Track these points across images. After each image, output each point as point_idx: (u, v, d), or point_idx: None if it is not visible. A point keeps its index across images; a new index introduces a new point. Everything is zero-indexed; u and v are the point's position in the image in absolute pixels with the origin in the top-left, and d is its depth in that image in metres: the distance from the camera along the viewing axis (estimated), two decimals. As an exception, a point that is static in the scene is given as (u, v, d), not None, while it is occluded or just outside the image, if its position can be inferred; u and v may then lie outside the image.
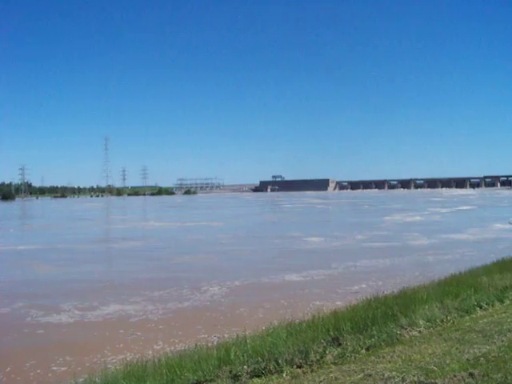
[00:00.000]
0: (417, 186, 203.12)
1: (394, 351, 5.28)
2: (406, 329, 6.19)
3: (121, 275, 17.63)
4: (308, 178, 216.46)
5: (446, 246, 22.63)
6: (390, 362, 4.89)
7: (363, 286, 13.89)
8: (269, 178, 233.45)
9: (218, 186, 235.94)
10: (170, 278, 16.50)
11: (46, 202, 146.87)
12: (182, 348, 7.41)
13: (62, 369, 8.21)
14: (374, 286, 13.49)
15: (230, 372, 4.88)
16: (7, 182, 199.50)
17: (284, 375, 4.75)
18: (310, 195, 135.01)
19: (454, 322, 6.60)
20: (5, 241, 30.63)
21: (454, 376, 4.27)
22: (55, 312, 12.04)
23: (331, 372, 4.75)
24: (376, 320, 6.51)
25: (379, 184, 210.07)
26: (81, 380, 6.33)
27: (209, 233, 33.13)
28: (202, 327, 10.16)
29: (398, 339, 5.85)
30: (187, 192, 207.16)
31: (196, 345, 6.62)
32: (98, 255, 23.95)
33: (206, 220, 46.65)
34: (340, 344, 5.59)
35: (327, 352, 5.28)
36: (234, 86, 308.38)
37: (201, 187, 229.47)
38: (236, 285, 14.74)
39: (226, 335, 8.72)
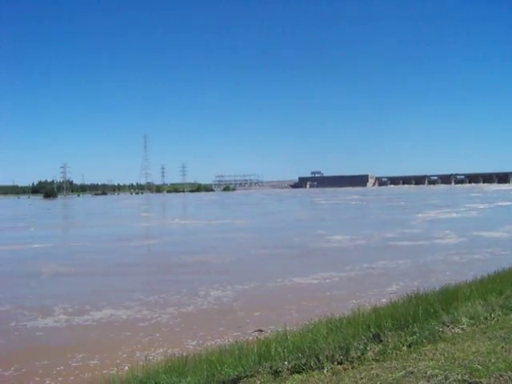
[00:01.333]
0: (457, 182, 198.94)
1: (437, 349, 5.19)
2: (448, 326, 6.06)
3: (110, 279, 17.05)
4: (347, 173, 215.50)
5: (475, 244, 21.88)
6: (432, 359, 4.80)
7: (372, 292, 12.92)
8: (308, 175, 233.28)
9: (256, 183, 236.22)
10: (167, 280, 16.07)
11: (86, 199, 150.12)
12: (222, 344, 7.47)
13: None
14: (382, 292, 12.71)
15: (271, 368, 4.90)
16: (49, 179, 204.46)
17: (325, 371, 4.73)
18: (347, 191, 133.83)
19: (498, 320, 6.43)
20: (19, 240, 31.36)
21: (501, 376, 4.15)
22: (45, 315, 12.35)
23: (372, 369, 4.70)
24: (417, 317, 6.41)
25: (419, 180, 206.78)
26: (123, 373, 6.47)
27: (229, 231, 33.13)
28: (224, 329, 10.09)
29: (440, 336, 5.74)
30: (226, 189, 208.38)
31: (236, 341, 6.67)
32: (100, 254, 23.63)
33: (232, 217, 46.83)
34: (381, 340, 5.53)
35: (368, 348, 5.23)
36: (273, 84, 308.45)
37: (240, 184, 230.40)
38: (238, 288, 14.23)
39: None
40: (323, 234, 27.91)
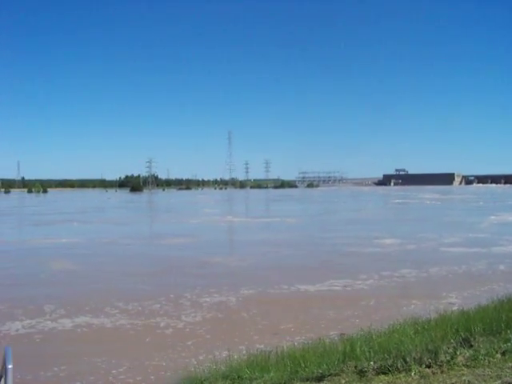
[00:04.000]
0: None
1: (535, 359, 4.88)
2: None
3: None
4: (433, 171, 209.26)
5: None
6: (530, 370, 4.52)
7: (388, 312, 11.31)
8: (392, 172, 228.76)
9: (340, 180, 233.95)
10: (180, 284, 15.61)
11: (168, 193, 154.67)
12: (305, 341, 7.45)
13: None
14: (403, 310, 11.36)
15: (355, 367, 4.81)
16: (136, 174, 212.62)
17: (412, 374, 4.57)
18: (430, 190, 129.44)
19: None
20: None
21: None
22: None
23: (463, 375, 4.49)
24: (511, 323, 6.07)
25: (509, 178, 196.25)
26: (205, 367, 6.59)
27: (274, 230, 32.88)
28: (254, 333, 10.03)
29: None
30: (309, 185, 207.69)
31: (319, 338, 6.61)
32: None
33: (288, 215, 46.37)
34: (471, 345, 5.27)
35: (458, 353, 5.00)
36: (358, 81, 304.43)
37: (323, 181, 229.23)
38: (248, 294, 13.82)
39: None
40: (374, 237, 26.93)
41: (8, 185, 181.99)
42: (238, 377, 5.68)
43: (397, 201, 76.31)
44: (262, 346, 7.47)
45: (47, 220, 44.08)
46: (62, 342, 10.01)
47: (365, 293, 13.68)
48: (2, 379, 4.03)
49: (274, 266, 18.62)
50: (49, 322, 11.26)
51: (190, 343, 9.59)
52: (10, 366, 3.02)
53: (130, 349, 9.42)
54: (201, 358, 8.35)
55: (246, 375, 5.60)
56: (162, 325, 10.97)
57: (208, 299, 13.19)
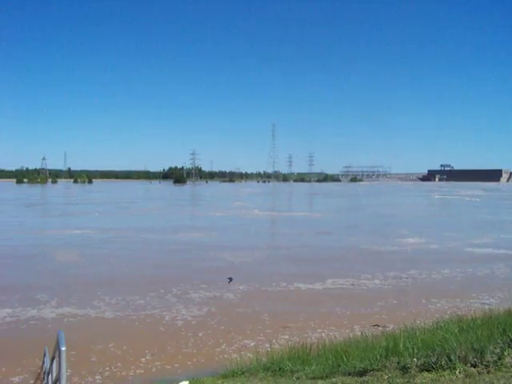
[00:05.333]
0: None
1: None
2: None
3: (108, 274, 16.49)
4: (479, 167, 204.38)
5: None
6: None
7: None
8: (437, 167, 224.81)
9: (384, 175, 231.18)
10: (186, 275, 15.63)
11: (212, 186, 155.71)
12: (347, 335, 7.41)
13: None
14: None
15: (398, 363, 4.76)
16: (179, 166, 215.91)
17: (457, 372, 4.49)
18: (475, 186, 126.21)
19: None
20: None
21: None
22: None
23: (512, 377, 4.38)
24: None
25: None
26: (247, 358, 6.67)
27: (295, 225, 32.45)
28: (271, 331, 9.90)
29: None
30: (353, 180, 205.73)
31: (361, 333, 6.58)
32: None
33: (315, 210, 46.15)
34: (520, 346, 5.14)
35: (505, 354, 4.88)
36: (401, 77, 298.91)
37: (367, 175, 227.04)
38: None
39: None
40: (398, 235, 26.26)
41: (55, 175, 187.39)
42: (280, 369, 5.73)
43: (437, 196, 74.72)
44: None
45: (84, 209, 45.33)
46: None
47: (374, 291, 13.47)
48: (55, 360, 4.21)
49: (266, 263, 18.18)
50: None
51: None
52: (63, 349, 3.15)
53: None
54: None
55: (288, 367, 5.65)
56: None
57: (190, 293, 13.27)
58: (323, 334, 8.68)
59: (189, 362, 8.15)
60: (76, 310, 11.42)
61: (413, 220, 36.50)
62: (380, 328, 8.09)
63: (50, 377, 4.96)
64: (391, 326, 7.54)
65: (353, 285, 14.16)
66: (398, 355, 4.98)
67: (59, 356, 3.16)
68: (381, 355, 5.10)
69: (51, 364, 4.46)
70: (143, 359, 8.32)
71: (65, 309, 11.56)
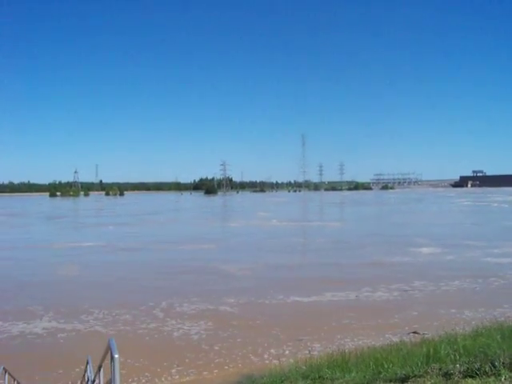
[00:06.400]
0: None
1: None
2: None
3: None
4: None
5: None
6: None
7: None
8: (469, 174, 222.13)
9: (415, 182, 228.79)
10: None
11: (242, 196, 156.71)
12: (387, 342, 7.38)
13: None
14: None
15: (440, 369, 4.72)
16: (210, 177, 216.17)
17: (502, 379, 4.43)
18: (507, 192, 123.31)
19: None
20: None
21: None
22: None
23: (559, 385, 4.31)
24: None
25: None
26: (287, 364, 6.70)
27: (308, 236, 32.40)
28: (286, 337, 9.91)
29: None
30: (384, 187, 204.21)
31: (400, 340, 6.55)
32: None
33: (335, 219, 45.98)
34: None
35: (551, 361, 4.80)
36: (428, 84, 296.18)
37: (398, 182, 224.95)
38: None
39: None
40: (414, 244, 25.50)
41: (87, 188, 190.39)
42: (319, 376, 5.73)
43: (465, 203, 73.47)
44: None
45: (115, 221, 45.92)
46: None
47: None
48: (101, 368, 4.36)
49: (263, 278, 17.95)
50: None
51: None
52: (116, 356, 3.24)
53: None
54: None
55: (327, 375, 5.64)
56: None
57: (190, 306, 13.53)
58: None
59: (216, 371, 8.27)
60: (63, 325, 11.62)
61: (433, 228, 35.61)
62: (418, 335, 8.04)
63: (93, 385, 5.08)
64: (430, 333, 7.47)
65: (357, 296, 14.23)
66: (439, 361, 4.95)
67: (113, 363, 3.25)
68: (421, 362, 5.07)
69: (98, 372, 4.56)
70: (173, 370, 8.50)
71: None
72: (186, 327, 11.49)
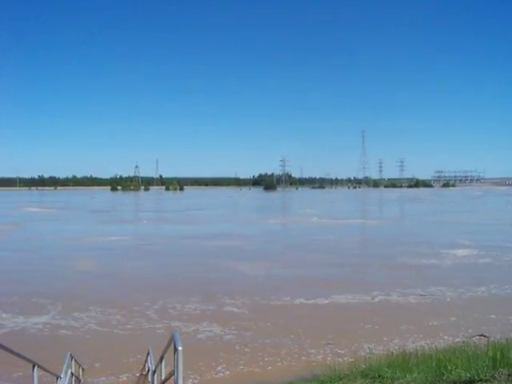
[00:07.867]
0: None
1: None
2: None
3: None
4: None
5: None
6: None
7: None
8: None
9: (478, 179, 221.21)
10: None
11: (301, 192, 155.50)
12: (448, 343, 7.18)
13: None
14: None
15: (509, 375, 4.53)
16: (269, 173, 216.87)
17: None
18: None
19: None
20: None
21: None
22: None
23: None
24: None
25: None
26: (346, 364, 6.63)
27: (338, 233, 31.26)
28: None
29: None
30: (445, 185, 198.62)
31: (463, 342, 6.34)
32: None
33: (376, 217, 45.07)
34: None
35: None
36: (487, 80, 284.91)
37: (460, 180, 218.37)
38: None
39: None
40: (450, 245, 23.95)
41: (148, 182, 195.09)
42: (379, 376, 5.63)
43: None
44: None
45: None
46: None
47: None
48: (163, 359, 4.46)
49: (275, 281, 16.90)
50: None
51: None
52: (180, 348, 3.30)
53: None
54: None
55: (387, 375, 5.54)
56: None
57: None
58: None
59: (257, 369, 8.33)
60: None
61: (479, 228, 33.66)
62: (484, 338, 7.74)
63: (155, 376, 5.21)
64: (498, 336, 7.15)
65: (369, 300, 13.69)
66: (507, 366, 4.75)
67: (176, 355, 3.31)
68: (487, 366, 4.88)
69: (160, 363, 4.66)
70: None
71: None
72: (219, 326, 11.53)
